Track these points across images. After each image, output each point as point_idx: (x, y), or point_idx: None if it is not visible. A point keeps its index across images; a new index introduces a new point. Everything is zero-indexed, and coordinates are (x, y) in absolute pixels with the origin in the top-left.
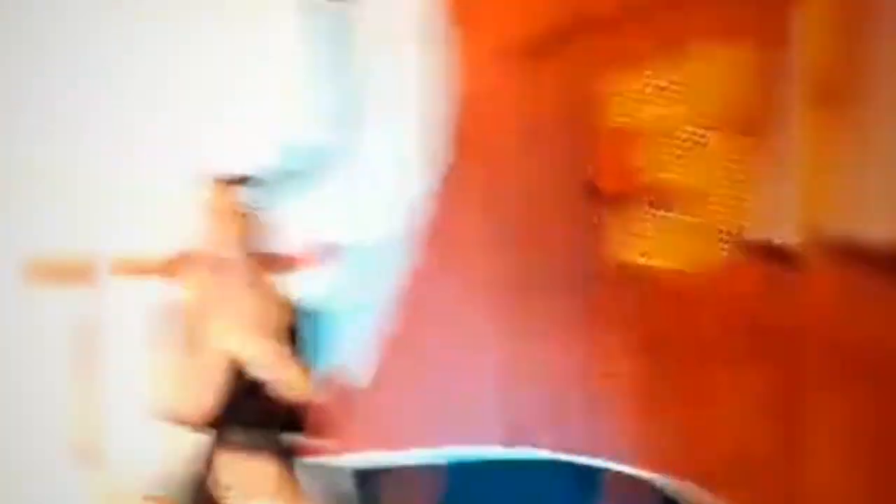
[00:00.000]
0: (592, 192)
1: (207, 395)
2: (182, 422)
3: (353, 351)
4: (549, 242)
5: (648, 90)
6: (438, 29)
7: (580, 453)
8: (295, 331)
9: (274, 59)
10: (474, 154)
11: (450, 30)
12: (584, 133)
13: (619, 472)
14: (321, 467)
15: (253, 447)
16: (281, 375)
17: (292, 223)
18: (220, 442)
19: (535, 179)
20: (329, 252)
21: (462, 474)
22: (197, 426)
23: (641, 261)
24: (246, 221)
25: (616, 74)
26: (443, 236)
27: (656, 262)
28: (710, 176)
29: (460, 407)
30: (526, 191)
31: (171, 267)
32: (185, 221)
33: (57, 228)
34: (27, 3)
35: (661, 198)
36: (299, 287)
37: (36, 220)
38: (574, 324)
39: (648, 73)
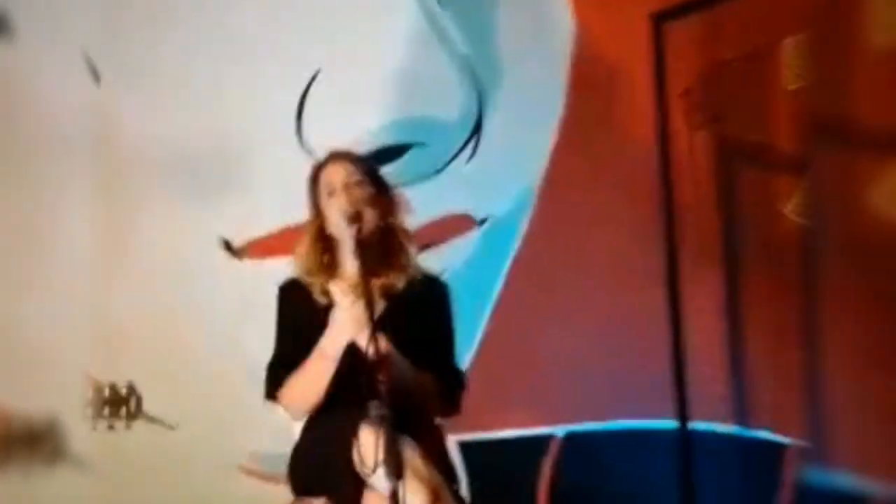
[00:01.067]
0: None
1: (322, 385)
2: (297, 413)
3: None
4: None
5: None
6: None
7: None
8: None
9: (396, 31)
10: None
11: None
12: None
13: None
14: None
15: (396, 424)
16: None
17: (422, 198)
18: (361, 419)
19: None
20: (460, 226)
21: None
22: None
23: None
24: (364, 196)
25: None
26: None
27: None
28: None
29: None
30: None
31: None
32: (298, 196)
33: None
34: None
35: None
36: (432, 261)
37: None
38: None
39: None
